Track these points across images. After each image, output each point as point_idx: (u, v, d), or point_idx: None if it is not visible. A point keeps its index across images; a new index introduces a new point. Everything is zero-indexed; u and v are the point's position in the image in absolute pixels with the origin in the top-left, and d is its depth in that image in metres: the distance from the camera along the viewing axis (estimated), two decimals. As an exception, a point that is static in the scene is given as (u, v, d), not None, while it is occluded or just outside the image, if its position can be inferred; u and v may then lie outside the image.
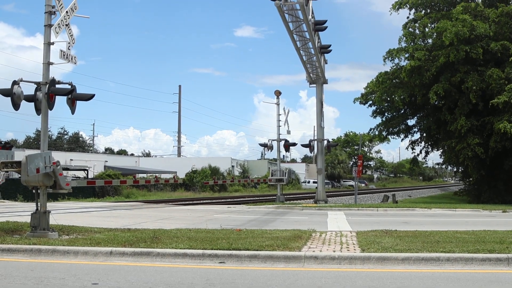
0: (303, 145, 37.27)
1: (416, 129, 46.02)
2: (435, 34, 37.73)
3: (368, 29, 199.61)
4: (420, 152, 47.47)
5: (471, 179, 38.64)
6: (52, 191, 12.98)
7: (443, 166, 69.41)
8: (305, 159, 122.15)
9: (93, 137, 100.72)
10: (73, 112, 13.22)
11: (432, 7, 40.81)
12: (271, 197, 41.18)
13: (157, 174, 60.59)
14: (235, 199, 41.72)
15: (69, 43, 13.21)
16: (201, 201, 37.61)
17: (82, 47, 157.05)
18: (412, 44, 38.95)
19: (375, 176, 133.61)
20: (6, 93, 12.45)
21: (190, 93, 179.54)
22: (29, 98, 12.78)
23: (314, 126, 37.88)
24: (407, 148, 48.15)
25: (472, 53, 34.13)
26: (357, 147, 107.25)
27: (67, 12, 12.91)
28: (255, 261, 10.04)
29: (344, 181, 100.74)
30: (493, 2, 38.82)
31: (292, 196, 47.14)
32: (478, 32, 34.02)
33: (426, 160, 54.43)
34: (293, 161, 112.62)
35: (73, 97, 12.95)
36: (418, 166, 67.40)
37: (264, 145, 35.04)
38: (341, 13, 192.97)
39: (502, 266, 9.77)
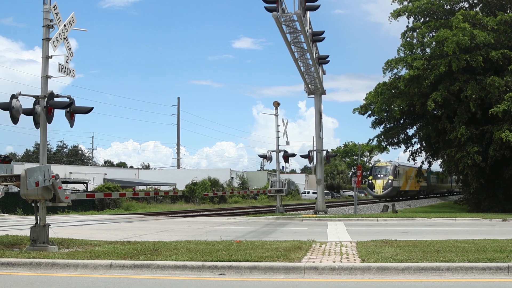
0: (302, 156, 37.25)
1: (416, 139, 46.05)
2: (434, 43, 37.81)
3: (366, 39, 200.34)
4: (423, 162, 47.52)
5: (470, 187, 38.60)
6: (51, 204, 12.97)
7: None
8: (305, 170, 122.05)
9: (92, 150, 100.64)
10: (72, 125, 13.24)
11: (431, 15, 40.92)
12: (270, 208, 41.12)
13: (156, 186, 60.56)
14: (234, 211, 41.64)
15: (67, 56, 13.26)
16: (201, 213, 37.56)
17: (81, 60, 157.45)
18: (410, 53, 39.04)
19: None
20: (5, 107, 12.46)
21: (189, 105, 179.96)
22: (27, 112, 12.79)
23: (313, 137, 37.91)
24: (408, 159, 48.17)
25: (472, 62, 34.21)
26: (356, 157, 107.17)
27: (65, 25, 12.96)
28: (255, 272, 10.03)
29: (343, 192, 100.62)
30: (492, 10, 38.94)
31: (292, 207, 47.09)
32: (478, 40, 34.12)
33: (430, 170, 54.20)
34: (293, 172, 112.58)
35: (72, 110, 12.98)
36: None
37: (263, 156, 35.06)
38: (339, 24, 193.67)
39: (502, 275, 9.77)
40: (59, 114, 13.29)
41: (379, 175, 63.66)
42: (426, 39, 39.09)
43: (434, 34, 38.40)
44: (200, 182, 59.71)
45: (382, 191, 62.68)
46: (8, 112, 12.37)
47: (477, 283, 9.26)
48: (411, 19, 41.09)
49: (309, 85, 32.17)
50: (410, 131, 45.95)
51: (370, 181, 64.97)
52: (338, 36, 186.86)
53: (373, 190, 63.65)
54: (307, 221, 25.82)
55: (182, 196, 53.99)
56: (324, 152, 33.48)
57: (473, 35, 33.94)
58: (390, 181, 62.69)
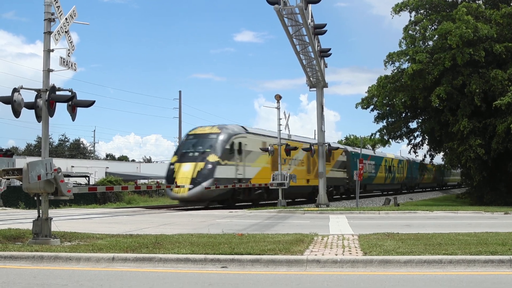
0: (304, 149, 37.28)
1: (418, 132, 45.99)
2: (436, 36, 37.71)
3: (368, 32, 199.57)
4: (425, 156, 47.51)
5: (473, 180, 38.59)
6: (53, 198, 12.98)
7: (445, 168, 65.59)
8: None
9: (94, 143, 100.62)
10: (73, 119, 13.24)
11: (432, 9, 40.80)
12: (272, 201, 41.11)
13: (158, 180, 60.56)
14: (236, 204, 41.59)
15: (69, 50, 13.24)
16: (203, 206, 37.52)
17: (82, 54, 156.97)
18: (412, 46, 38.92)
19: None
20: (7, 100, 12.48)
21: (190, 98, 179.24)
22: (29, 106, 12.80)
23: (315, 130, 37.81)
24: (409, 152, 48.25)
25: (475, 55, 34.13)
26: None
27: (66, 19, 12.94)
28: (257, 265, 10.04)
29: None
30: (494, 2, 38.78)
31: (294, 200, 47.03)
32: (481, 33, 34.03)
33: (432, 163, 53.90)
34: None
35: (74, 104, 12.97)
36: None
37: (265, 150, 35.03)
38: (341, 17, 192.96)
39: (504, 268, 9.77)
40: (61, 108, 13.32)
41: (191, 154, 31.68)
42: (428, 32, 39.00)
43: (436, 27, 38.29)
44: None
45: (189, 190, 29.56)
46: (10, 105, 12.39)
47: (479, 275, 9.26)
48: (413, 13, 41.01)
49: (311, 78, 32.15)
50: (412, 125, 45.94)
51: (171, 167, 31.72)
52: (340, 29, 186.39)
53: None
54: (309, 214, 25.84)
55: (184, 189, 53.89)
56: (326, 145, 33.51)
57: (476, 28, 33.86)
58: (211, 167, 30.46)
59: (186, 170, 30.55)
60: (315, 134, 43.49)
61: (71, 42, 13.35)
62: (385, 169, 59.35)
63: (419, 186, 75.38)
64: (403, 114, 44.05)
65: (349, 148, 52.84)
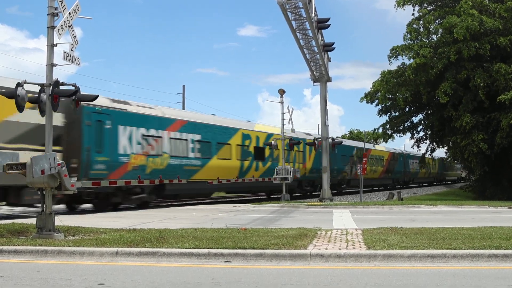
0: (307, 144, 37.26)
1: (421, 127, 45.91)
2: (440, 30, 37.56)
3: (372, 27, 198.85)
4: (427, 150, 47.45)
5: (474, 174, 38.52)
6: (57, 192, 13.00)
7: (448, 161, 64.10)
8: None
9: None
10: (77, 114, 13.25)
11: (436, 3, 40.65)
12: (276, 196, 41.12)
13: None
14: (240, 198, 41.67)
15: (72, 44, 13.21)
16: (206, 200, 37.60)
17: (86, 49, 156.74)
18: (417, 41, 38.77)
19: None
20: (11, 95, 12.50)
21: (193, 93, 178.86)
22: (33, 100, 12.82)
23: (319, 125, 37.75)
24: (412, 146, 48.25)
25: (480, 49, 34.01)
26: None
27: (69, 13, 12.92)
28: (260, 259, 10.04)
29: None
30: None
31: (297, 194, 47.02)
32: (486, 26, 33.92)
33: (432, 157, 53.91)
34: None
35: (77, 98, 12.99)
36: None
37: (268, 144, 35.01)
38: (344, 11, 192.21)
39: (508, 263, 9.74)
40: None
41: None
42: (432, 26, 38.84)
43: (442, 21, 38.12)
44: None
45: None
46: (13, 100, 12.41)
47: (483, 270, 9.24)
48: (417, 7, 40.85)
49: (315, 73, 32.09)
50: (415, 119, 45.84)
51: None
52: (344, 23, 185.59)
53: None
54: (313, 208, 25.83)
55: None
56: (330, 140, 33.47)
57: (482, 21, 33.73)
58: None
59: None
60: (318, 129, 43.29)
61: (75, 36, 13.33)
62: (258, 154, 35.11)
63: (349, 183, 50.08)
64: (406, 109, 43.96)
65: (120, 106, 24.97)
